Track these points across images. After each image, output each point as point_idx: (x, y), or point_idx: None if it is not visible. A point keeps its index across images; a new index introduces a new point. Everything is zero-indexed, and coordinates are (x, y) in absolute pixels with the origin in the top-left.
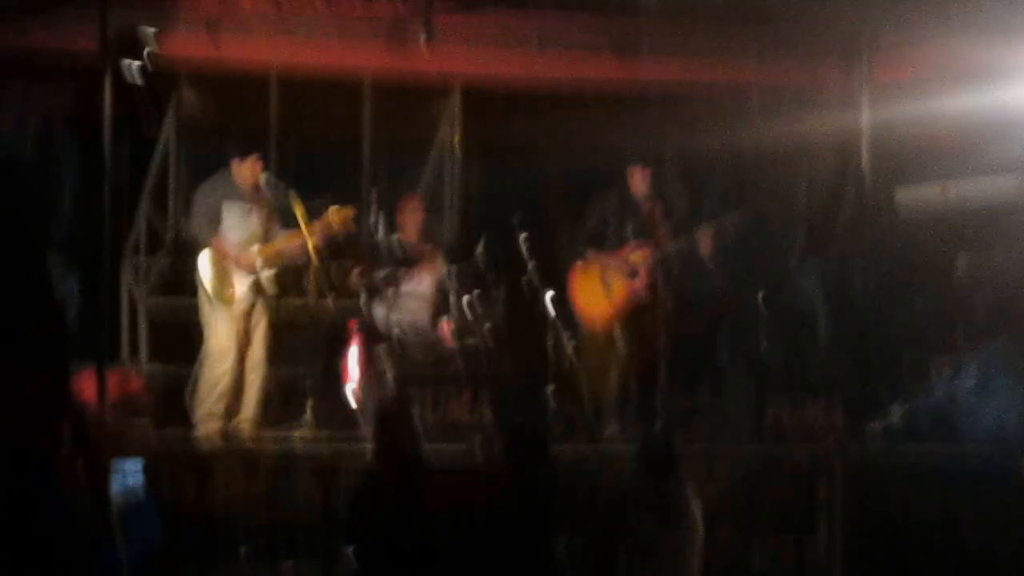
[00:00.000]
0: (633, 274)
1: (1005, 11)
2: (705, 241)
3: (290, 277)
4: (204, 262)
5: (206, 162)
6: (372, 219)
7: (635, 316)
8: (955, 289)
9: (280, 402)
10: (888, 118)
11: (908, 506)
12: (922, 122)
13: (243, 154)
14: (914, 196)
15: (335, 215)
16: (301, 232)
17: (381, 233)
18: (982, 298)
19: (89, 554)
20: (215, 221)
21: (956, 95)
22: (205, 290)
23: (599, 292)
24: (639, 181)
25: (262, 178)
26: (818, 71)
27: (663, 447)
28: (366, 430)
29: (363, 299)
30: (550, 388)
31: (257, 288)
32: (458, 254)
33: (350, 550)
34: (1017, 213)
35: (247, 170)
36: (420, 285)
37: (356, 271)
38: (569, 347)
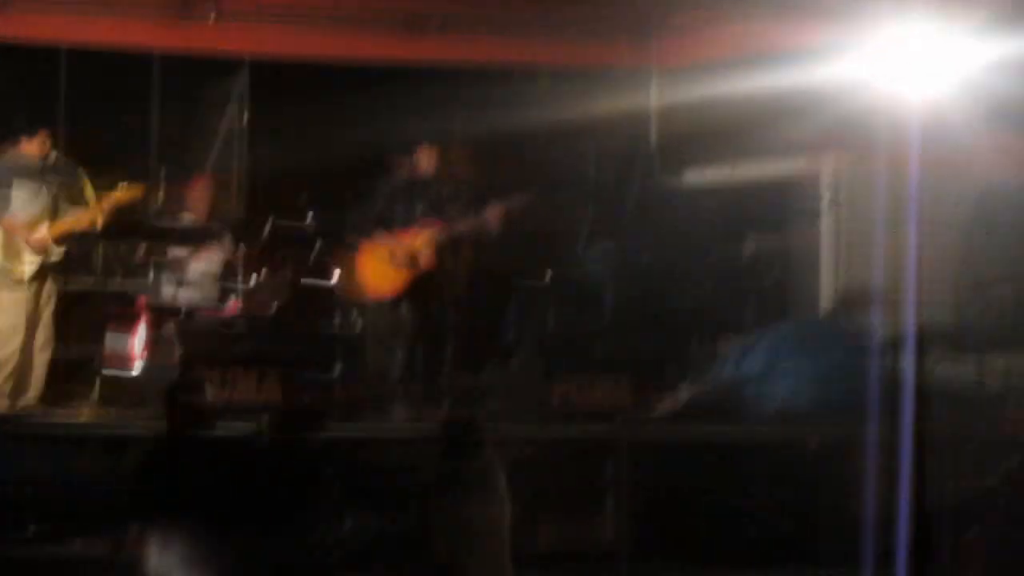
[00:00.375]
0: (418, 255)
1: None
2: (493, 220)
3: (79, 255)
4: None
5: None
6: (161, 198)
7: (423, 296)
8: (744, 270)
9: (68, 380)
10: (678, 99)
11: (696, 484)
12: (712, 103)
13: (31, 132)
14: (703, 177)
15: (124, 193)
16: (90, 210)
17: (170, 212)
18: (771, 279)
19: None
20: (3, 199)
21: (745, 76)
22: None
23: (386, 271)
24: (427, 160)
25: (50, 154)
26: (608, 51)
27: (470, 425)
28: (154, 408)
29: (151, 277)
30: (338, 367)
31: (46, 266)
32: (247, 233)
33: (138, 527)
34: (804, 194)
35: (35, 147)
36: (209, 264)
37: (145, 249)
38: (357, 327)
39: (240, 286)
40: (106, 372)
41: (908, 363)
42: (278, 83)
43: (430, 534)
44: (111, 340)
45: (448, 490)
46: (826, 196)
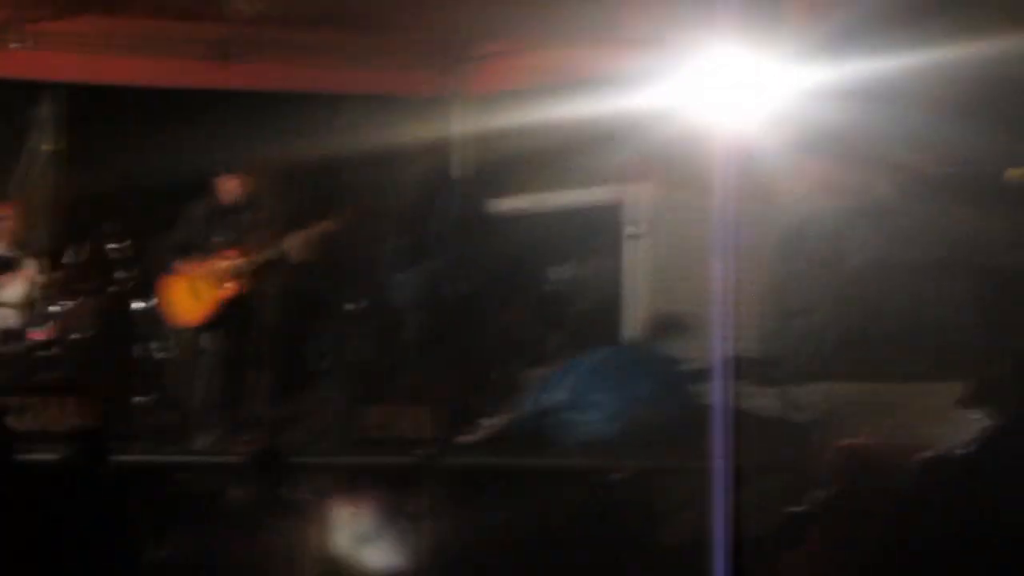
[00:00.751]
0: (223, 282)
1: (602, 19)
2: (297, 247)
3: None
4: None
5: None
6: None
7: (226, 324)
8: (550, 300)
9: None
10: (487, 126)
11: (499, 516)
12: (520, 130)
13: None
14: (512, 204)
15: None
16: None
17: None
18: (576, 309)
19: None
20: None
21: (555, 103)
22: None
23: (190, 301)
24: (230, 188)
25: None
26: (414, 79)
27: (273, 456)
28: None
29: None
30: (144, 396)
31: None
32: (51, 261)
33: None
34: (610, 223)
35: None
36: (12, 292)
37: None
38: (161, 355)
39: (53, 310)
40: None
41: (718, 392)
42: (91, 107)
43: (238, 561)
44: None
45: (255, 517)
46: (634, 224)
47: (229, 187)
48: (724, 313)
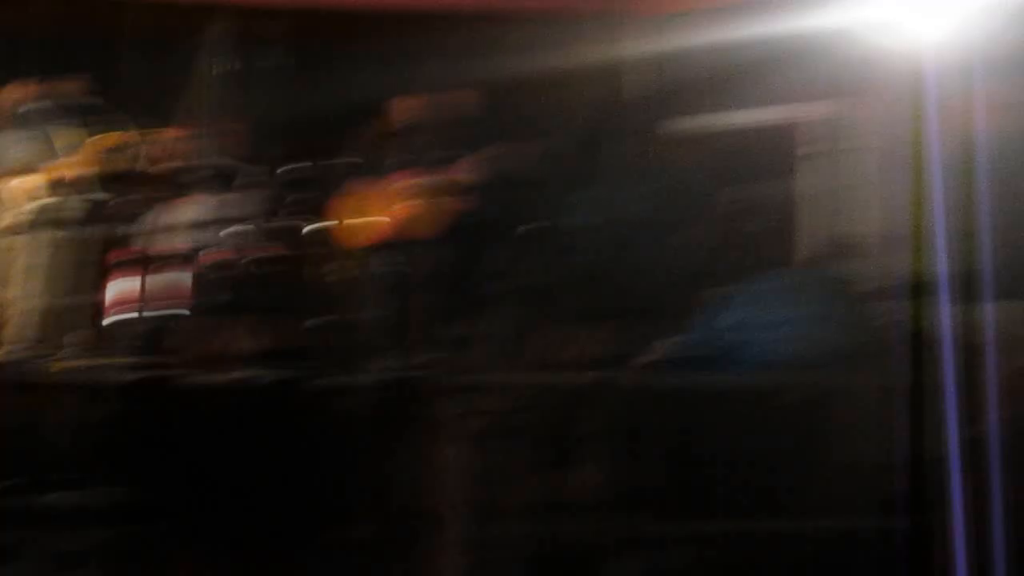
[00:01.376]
0: (399, 204)
1: None
2: (471, 167)
3: (57, 206)
4: None
5: None
6: (139, 147)
7: (401, 246)
8: (725, 220)
9: (65, 327)
10: (671, 46)
11: (676, 436)
12: (705, 49)
13: (3, 81)
14: (692, 125)
15: (100, 143)
16: (84, 156)
17: (147, 161)
18: (754, 230)
19: None
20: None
21: (742, 21)
22: None
23: (370, 220)
24: (407, 110)
25: (42, 101)
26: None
27: (432, 374)
28: (130, 359)
29: (147, 223)
30: (319, 317)
31: (41, 213)
32: (225, 183)
33: (111, 480)
34: (786, 144)
35: (24, 93)
36: (187, 213)
37: (139, 195)
38: (336, 277)
39: (235, 230)
40: (103, 319)
41: (942, 310)
42: (258, 29)
43: (405, 480)
44: (108, 286)
45: (422, 436)
46: (816, 143)
47: (406, 109)
48: (943, 229)
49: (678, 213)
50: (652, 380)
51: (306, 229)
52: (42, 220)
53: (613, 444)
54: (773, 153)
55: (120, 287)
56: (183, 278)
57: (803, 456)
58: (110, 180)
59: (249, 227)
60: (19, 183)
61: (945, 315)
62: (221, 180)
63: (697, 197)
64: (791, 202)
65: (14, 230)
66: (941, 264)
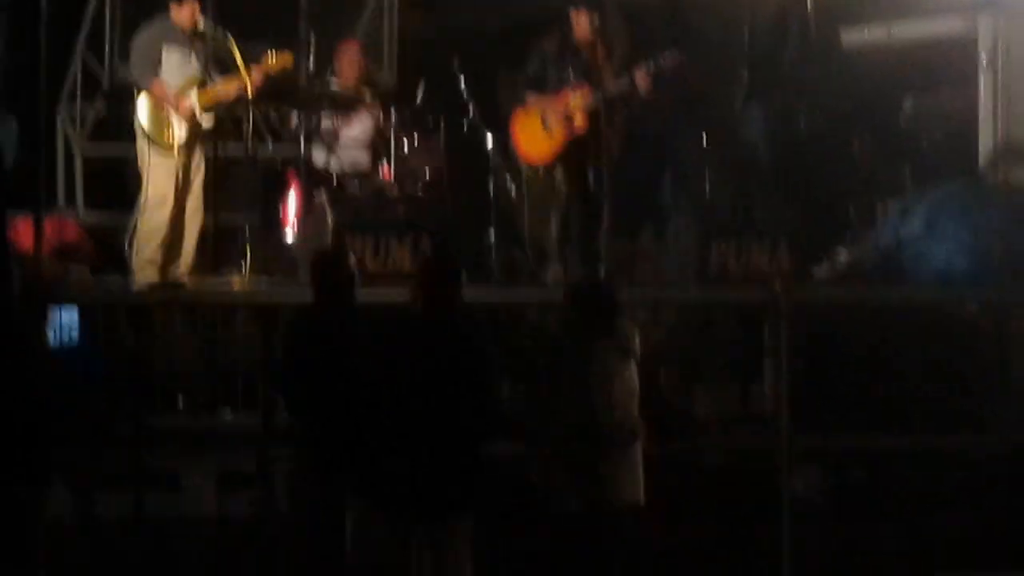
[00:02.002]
0: (573, 116)
1: None
2: (644, 81)
3: (229, 122)
4: (142, 107)
5: (143, 5)
6: (310, 64)
7: (576, 159)
8: (902, 131)
9: (219, 248)
10: None
11: (854, 349)
12: None
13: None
14: (859, 37)
15: (274, 59)
16: (239, 77)
17: (320, 78)
18: (929, 140)
19: (28, 398)
20: (154, 65)
21: None
22: (144, 135)
23: (540, 135)
24: (580, 23)
25: (200, 22)
26: None
27: (604, 288)
28: (304, 276)
29: (302, 144)
30: (492, 231)
31: (196, 133)
32: (397, 99)
33: (286, 396)
34: (961, 54)
35: (185, 14)
36: (359, 130)
37: (295, 116)
38: (511, 190)
39: (392, 152)
40: (257, 240)
41: None
42: None
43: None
44: (262, 208)
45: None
46: (984, 55)
47: (582, 22)
48: None
49: (855, 123)
50: (830, 294)
51: (484, 143)
52: (198, 140)
53: (792, 359)
54: (949, 63)
55: (294, 205)
56: (341, 199)
57: (985, 372)
58: (268, 100)
59: (411, 147)
60: (175, 103)
61: None
62: (382, 101)
63: (874, 107)
64: (962, 114)
65: (184, 147)
66: None
